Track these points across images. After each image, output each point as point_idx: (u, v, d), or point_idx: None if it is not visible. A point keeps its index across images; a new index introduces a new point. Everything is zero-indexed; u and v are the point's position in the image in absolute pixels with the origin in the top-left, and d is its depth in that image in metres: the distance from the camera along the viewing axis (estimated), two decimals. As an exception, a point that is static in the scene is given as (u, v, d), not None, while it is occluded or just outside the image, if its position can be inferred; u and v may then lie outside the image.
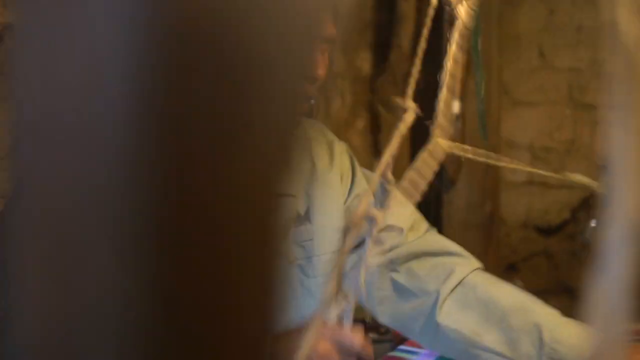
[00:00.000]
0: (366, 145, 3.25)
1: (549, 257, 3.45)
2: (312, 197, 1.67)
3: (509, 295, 1.62)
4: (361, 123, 3.22)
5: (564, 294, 3.28)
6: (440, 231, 2.99)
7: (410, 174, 1.48)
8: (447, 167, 3.21)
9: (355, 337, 1.34)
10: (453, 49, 1.64)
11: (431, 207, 3.32)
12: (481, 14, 2.86)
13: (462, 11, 1.57)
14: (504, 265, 3.42)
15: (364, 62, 3.23)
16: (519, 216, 3.45)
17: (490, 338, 1.59)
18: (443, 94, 1.59)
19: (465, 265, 1.68)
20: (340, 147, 1.75)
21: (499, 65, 3.31)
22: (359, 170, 1.74)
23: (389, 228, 1.60)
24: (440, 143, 1.48)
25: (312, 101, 2.76)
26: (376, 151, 3.24)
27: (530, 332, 1.56)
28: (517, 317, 1.58)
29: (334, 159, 1.71)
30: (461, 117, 3.06)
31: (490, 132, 3.35)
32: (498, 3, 3.17)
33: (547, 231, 3.46)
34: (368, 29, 3.21)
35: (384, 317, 1.71)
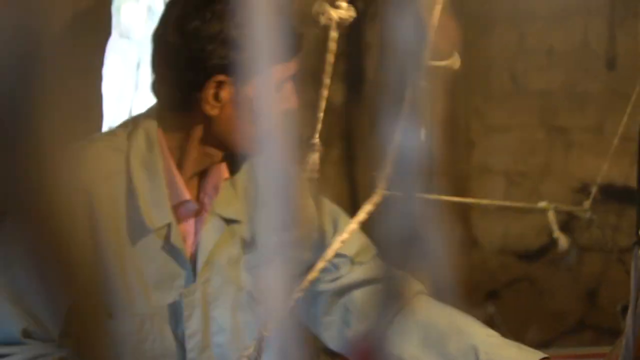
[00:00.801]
0: (341, 175, 3.23)
1: (531, 283, 3.43)
2: (257, 223, 1.67)
3: (448, 318, 1.65)
4: (335, 153, 3.20)
5: (548, 319, 3.26)
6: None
7: (351, 227, 1.50)
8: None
9: None
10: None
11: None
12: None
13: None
14: (484, 292, 3.39)
15: (336, 92, 3.21)
16: (496, 242, 3.43)
17: None
18: (393, 144, 1.60)
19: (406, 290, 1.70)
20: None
21: (469, 91, 3.30)
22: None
23: (336, 256, 1.61)
24: (383, 193, 1.51)
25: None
26: (350, 181, 3.22)
27: (467, 354, 1.59)
28: (454, 340, 1.62)
29: None
30: (427, 144, 3.04)
31: (462, 157, 3.35)
32: (466, 29, 3.17)
33: (526, 256, 3.44)
34: (339, 59, 3.20)
35: (331, 343, 1.75)
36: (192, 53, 1.51)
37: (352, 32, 3.16)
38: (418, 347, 1.65)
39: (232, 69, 1.50)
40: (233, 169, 1.65)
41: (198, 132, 1.56)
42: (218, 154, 1.60)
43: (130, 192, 1.55)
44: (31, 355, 1.46)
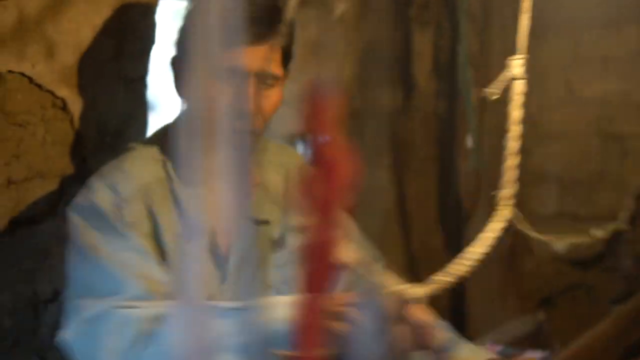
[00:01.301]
0: (391, 181, 3.24)
1: (587, 290, 3.41)
2: (287, 224, 1.71)
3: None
4: (385, 160, 3.21)
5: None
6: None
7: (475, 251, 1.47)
8: (463, 200, 3.20)
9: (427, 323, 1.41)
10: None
11: (451, 240, 3.30)
12: (500, 49, 2.83)
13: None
14: (537, 299, 3.37)
15: (386, 99, 3.23)
16: (550, 249, 3.41)
17: None
18: (509, 163, 1.57)
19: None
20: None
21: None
22: None
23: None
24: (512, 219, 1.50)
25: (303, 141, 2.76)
26: (400, 189, 3.22)
27: None
28: None
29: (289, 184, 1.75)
30: (476, 150, 3.05)
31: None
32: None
33: (581, 263, 3.42)
34: (387, 66, 3.20)
35: None
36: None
37: (403, 39, 3.17)
38: None
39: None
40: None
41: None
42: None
43: (175, 199, 1.59)
44: (159, 312, 1.45)
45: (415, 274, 3.17)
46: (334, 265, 0.91)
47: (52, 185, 1.85)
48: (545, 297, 3.41)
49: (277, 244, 1.70)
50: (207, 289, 1.58)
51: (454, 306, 3.33)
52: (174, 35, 1.62)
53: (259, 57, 1.55)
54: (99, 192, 1.57)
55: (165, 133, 1.68)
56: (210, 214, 1.58)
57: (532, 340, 2.52)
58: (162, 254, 1.56)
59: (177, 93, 1.61)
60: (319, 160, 0.88)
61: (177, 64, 1.60)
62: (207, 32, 1.48)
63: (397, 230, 3.17)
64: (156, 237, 1.57)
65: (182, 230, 1.56)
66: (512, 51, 3.21)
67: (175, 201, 1.60)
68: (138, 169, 1.61)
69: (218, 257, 1.63)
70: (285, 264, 1.69)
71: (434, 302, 3.35)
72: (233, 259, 1.63)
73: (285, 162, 1.79)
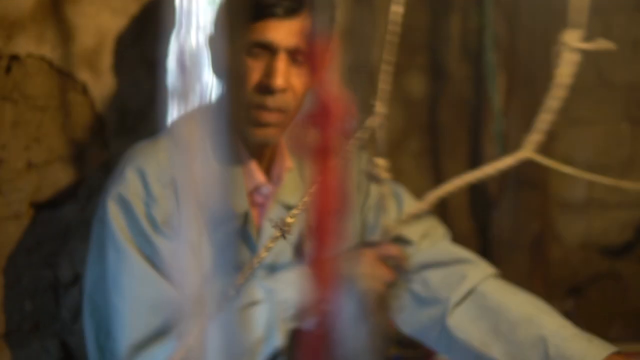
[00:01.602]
0: (420, 168, 3.22)
1: (616, 279, 3.37)
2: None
3: (520, 305, 1.65)
4: (415, 146, 3.18)
5: (634, 316, 3.20)
6: (487, 252, 2.95)
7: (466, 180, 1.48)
8: (488, 187, 3.18)
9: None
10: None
11: (479, 226, 3.27)
12: (527, 32, 2.81)
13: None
14: (565, 287, 3.34)
15: (417, 85, 3.20)
16: (578, 237, 3.37)
17: (498, 350, 1.62)
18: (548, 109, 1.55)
19: (477, 272, 1.72)
20: (358, 158, 1.76)
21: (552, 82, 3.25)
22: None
23: (400, 242, 1.62)
24: (531, 155, 1.49)
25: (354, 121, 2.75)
26: (429, 174, 3.20)
27: (536, 345, 1.58)
28: (525, 329, 1.60)
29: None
30: (504, 134, 3.02)
31: (543, 150, 3.29)
32: (548, 21, 3.13)
33: (610, 252, 3.38)
34: (420, 51, 3.18)
35: (404, 326, 1.76)
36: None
37: (433, 24, 3.15)
38: (487, 333, 1.64)
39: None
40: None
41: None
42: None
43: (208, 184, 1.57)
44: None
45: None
46: (340, 213, 0.91)
47: (73, 169, 1.85)
48: (574, 285, 3.37)
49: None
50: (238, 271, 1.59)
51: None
52: (212, 14, 1.59)
53: (289, 32, 1.51)
54: (131, 186, 1.52)
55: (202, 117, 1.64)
56: (240, 196, 1.58)
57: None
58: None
59: (214, 72, 1.59)
60: (318, 108, 0.88)
61: (213, 42, 1.56)
62: (237, 6, 1.47)
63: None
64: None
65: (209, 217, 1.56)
66: (540, 35, 3.18)
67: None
68: (171, 160, 1.58)
69: (249, 239, 1.61)
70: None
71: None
72: (263, 241, 1.61)
73: None
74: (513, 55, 3.10)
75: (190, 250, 1.50)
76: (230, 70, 1.55)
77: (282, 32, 1.51)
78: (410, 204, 1.77)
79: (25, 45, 1.72)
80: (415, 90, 3.20)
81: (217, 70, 1.57)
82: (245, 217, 1.60)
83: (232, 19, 1.52)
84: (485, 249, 3.28)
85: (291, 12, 1.51)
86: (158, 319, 1.46)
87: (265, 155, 1.63)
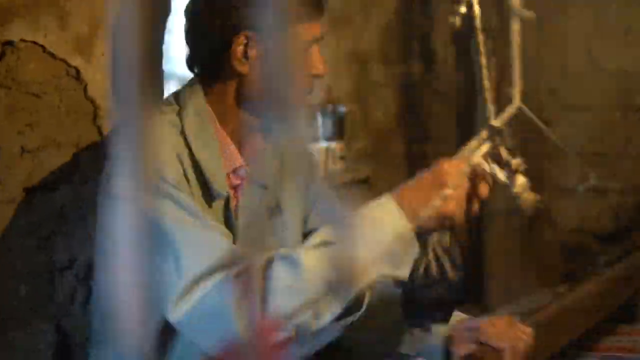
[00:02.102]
0: (411, 153, 3.23)
1: (610, 265, 3.39)
2: (282, 190, 1.77)
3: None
4: (405, 132, 3.20)
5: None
6: (481, 238, 2.96)
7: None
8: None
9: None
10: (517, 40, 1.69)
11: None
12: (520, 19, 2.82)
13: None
14: (558, 273, 3.36)
15: (409, 72, 3.22)
16: (572, 222, 3.39)
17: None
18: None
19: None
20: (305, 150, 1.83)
21: (544, 70, 3.27)
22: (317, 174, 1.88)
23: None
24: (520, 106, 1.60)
25: (342, 108, 2.78)
26: (422, 160, 3.22)
27: None
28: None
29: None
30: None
31: (536, 136, 3.31)
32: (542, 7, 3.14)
33: (603, 238, 3.40)
34: (412, 39, 3.19)
35: None
36: (219, 12, 1.59)
37: (425, 11, 3.16)
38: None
39: (259, 26, 1.51)
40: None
41: (234, 96, 1.63)
42: (254, 120, 1.65)
43: (194, 165, 1.60)
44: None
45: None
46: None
47: (67, 154, 1.87)
48: (567, 270, 3.40)
49: (274, 211, 1.74)
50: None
51: (474, 279, 3.33)
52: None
53: (320, 25, 1.65)
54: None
55: (183, 100, 1.67)
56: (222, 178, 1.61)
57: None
58: None
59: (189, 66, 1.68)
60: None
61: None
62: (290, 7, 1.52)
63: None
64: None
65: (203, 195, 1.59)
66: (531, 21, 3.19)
67: (195, 167, 1.61)
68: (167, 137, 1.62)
69: (229, 219, 1.65)
70: (282, 231, 1.74)
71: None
72: (242, 220, 1.65)
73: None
74: (504, 41, 3.11)
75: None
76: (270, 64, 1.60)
77: (322, 27, 1.66)
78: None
79: (18, 31, 1.74)
80: (407, 77, 3.22)
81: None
82: (227, 198, 1.63)
83: (285, 20, 1.57)
84: (479, 235, 3.30)
85: (324, 7, 1.67)
86: (214, 252, 1.49)
87: (242, 137, 1.67)
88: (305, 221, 1.82)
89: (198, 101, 1.64)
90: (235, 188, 1.68)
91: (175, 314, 1.48)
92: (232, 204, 1.66)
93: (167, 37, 2.11)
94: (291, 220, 1.78)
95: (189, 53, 1.69)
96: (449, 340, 1.68)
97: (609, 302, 2.31)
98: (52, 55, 1.81)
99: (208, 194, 1.61)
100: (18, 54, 1.74)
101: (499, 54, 3.07)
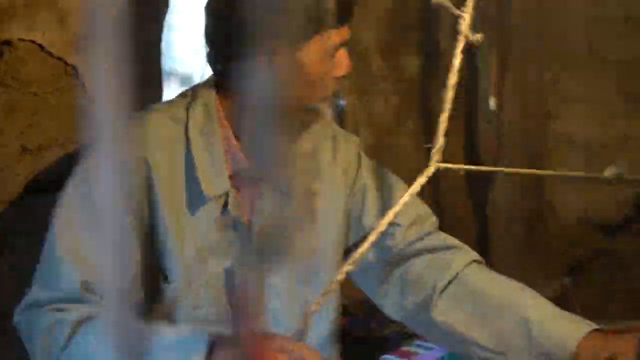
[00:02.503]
0: (417, 146, 3.23)
1: (614, 256, 3.39)
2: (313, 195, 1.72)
3: (503, 289, 1.67)
4: (411, 124, 3.20)
5: (632, 293, 3.22)
6: (485, 229, 2.95)
7: (403, 199, 1.55)
8: (484, 164, 3.19)
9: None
10: (456, 64, 1.67)
11: (475, 205, 3.29)
12: (518, 10, 2.82)
13: (464, 25, 1.60)
14: (562, 265, 3.36)
15: (411, 63, 3.21)
16: (576, 212, 3.39)
17: (481, 333, 1.63)
18: (444, 115, 1.65)
19: (461, 259, 1.73)
20: (347, 142, 1.80)
21: (544, 60, 3.27)
22: (365, 166, 1.80)
23: (390, 224, 1.63)
24: (438, 166, 1.56)
25: (342, 102, 2.76)
26: (426, 153, 3.22)
27: (519, 326, 1.59)
28: (508, 311, 1.62)
29: (337, 154, 1.76)
30: (496, 114, 3.03)
31: (538, 128, 3.31)
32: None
33: (609, 229, 3.39)
34: (414, 30, 3.19)
35: (388, 310, 1.78)
36: (241, 20, 1.51)
37: (426, 3, 3.15)
38: (470, 318, 1.66)
39: (284, 35, 1.51)
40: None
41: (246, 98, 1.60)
42: (266, 124, 1.63)
43: (189, 161, 1.58)
44: (85, 314, 1.46)
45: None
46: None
47: (67, 153, 1.87)
48: (571, 262, 3.39)
49: (301, 219, 1.69)
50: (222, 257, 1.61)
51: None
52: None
53: (348, 28, 1.62)
54: (92, 159, 1.56)
55: (194, 96, 1.65)
56: (223, 179, 1.59)
57: (557, 305, 2.50)
58: (148, 229, 1.57)
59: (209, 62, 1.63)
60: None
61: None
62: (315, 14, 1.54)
63: (422, 195, 3.16)
64: (150, 209, 1.57)
65: (190, 198, 1.57)
66: (531, 12, 3.18)
67: (189, 165, 1.59)
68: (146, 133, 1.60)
69: (238, 224, 1.62)
70: (314, 240, 1.70)
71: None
72: (256, 227, 1.63)
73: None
74: (505, 33, 3.11)
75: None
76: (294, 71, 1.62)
77: (347, 30, 1.61)
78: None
79: (17, 30, 1.74)
80: (409, 70, 3.21)
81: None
82: (226, 198, 1.60)
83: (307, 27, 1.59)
84: (483, 227, 3.30)
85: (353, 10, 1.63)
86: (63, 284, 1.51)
87: (252, 140, 1.65)
88: (358, 220, 1.79)
89: (209, 98, 1.60)
90: (244, 189, 1.64)
91: (16, 318, 1.56)
92: (235, 206, 1.62)
93: (168, 35, 2.11)
94: (324, 228, 1.73)
95: (208, 51, 1.62)
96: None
97: None
98: (51, 55, 1.81)
99: (198, 194, 1.59)
100: (17, 53, 1.74)
101: (499, 44, 3.07)
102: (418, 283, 1.73)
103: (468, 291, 1.68)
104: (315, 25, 1.53)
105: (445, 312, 1.69)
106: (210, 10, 1.60)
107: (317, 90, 1.59)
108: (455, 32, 3.14)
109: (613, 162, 3.01)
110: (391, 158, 3.08)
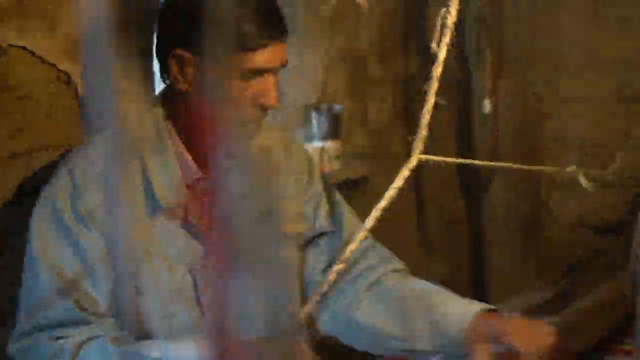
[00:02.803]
0: (410, 151, 3.23)
1: (610, 258, 3.38)
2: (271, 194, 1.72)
3: (415, 288, 1.77)
4: (404, 128, 3.19)
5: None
6: (480, 233, 2.95)
7: (390, 192, 1.54)
8: (479, 168, 3.19)
9: None
10: (441, 57, 1.65)
11: (471, 209, 3.28)
12: (512, 10, 2.82)
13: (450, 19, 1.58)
14: (559, 266, 3.36)
15: (405, 68, 3.21)
16: (571, 216, 3.38)
17: (395, 326, 1.73)
18: (428, 106, 1.63)
19: (384, 267, 1.81)
20: (299, 151, 1.84)
21: (540, 62, 3.26)
22: (317, 175, 1.84)
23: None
24: (420, 157, 1.55)
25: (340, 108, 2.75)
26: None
27: (424, 312, 1.70)
28: (414, 302, 1.73)
29: (290, 160, 1.79)
30: (492, 115, 3.03)
31: (534, 128, 3.31)
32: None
33: (604, 231, 3.39)
34: (409, 34, 3.18)
35: (323, 326, 1.84)
36: (164, 23, 1.59)
37: (418, 6, 3.15)
38: (385, 315, 1.75)
39: (195, 45, 1.50)
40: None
41: (185, 110, 1.61)
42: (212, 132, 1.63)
43: (145, 178, 1.59)
44: (85, 337, 1.51)
45: (432, 242, 3.16)
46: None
47: (57, 158, 1.87)
48: (568, 264, 3.39)
49: (262, 218, 1.72)
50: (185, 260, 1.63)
51: (475, 273, 3.32)
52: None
53: (282, 53, 1.58)
54: (58, 182, 1.60)
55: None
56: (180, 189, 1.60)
57: (553, 308, 2.50)
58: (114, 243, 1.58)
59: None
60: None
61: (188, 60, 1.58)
62: (223, 35, 1.49)
63: (415, 197, 3.16)
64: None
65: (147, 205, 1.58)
66: (526, 13, 3.18)
67: (145, 179, 1.60)
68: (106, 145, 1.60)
69: (199, 232, 1.64)
70: (274, 237, 1.71)
71: (453, 269, 3.37)
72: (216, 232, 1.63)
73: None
74: (500, 34, 3.10)
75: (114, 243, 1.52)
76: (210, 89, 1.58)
77: (277, 55, 1.57)
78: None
79: (6, 36, 1.74)
80: (404, 72, 3.21)
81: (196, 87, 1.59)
82: (186, 209, 1.62)
83: (219, 48, 1.54)
84: (478, 231, 3.29)
85: (284, 33, 1.58)
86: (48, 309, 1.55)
87: (202, 149, 1.65)
88: (311, 222, 1.82)
89: (157, 112, 1.63)
90: (203, 198, 1.65)
91: (10, 347, 1.58)
92: (198, 214, 1.64)
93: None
94: (285, 224, 1.76)
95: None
96: (467, 340, 1.62)
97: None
98: (41, 60, 1.81)
99: (152, 204, 1.60)
100: (7, 58, 1.74)
101: (495, 44, 3.06)
102: (344, 289, 1.79)
103: (389, 295, 1.76)
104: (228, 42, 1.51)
105: (365, 313, 1.77)
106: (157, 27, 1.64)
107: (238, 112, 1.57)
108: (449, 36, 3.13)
109: (613, 161, 3.01)
110: (386, 161, 3.07)
